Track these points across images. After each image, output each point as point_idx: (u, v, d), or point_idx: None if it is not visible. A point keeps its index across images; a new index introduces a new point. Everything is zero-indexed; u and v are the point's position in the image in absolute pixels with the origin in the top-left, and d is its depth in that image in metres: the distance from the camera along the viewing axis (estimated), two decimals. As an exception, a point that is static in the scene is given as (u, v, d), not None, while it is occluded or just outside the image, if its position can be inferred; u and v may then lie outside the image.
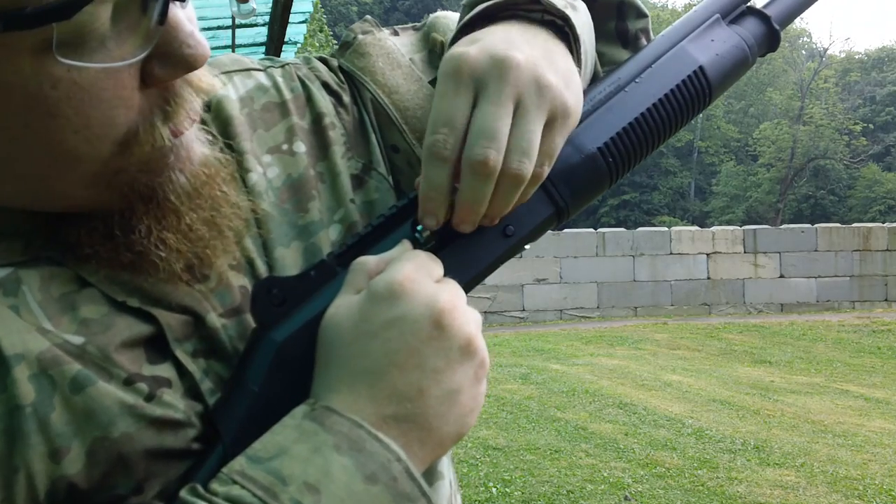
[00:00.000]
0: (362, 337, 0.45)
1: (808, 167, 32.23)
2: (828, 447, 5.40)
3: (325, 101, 0.62)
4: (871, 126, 33.16)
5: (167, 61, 0.44)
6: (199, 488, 0.43)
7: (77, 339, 0.47)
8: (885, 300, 12.04)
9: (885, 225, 12.62)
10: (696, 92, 0.60)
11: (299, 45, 8.41)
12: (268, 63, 0.63)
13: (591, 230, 12.06)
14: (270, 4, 5.70)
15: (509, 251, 0.53)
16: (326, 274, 0.50)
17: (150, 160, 0.47)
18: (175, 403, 0.48)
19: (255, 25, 6.40)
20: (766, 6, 0.66)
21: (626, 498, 4.42)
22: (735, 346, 9.41)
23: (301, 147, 0.60)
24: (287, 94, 0.62)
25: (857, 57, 38.92)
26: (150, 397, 0.47)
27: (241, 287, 0.54)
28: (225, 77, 0.61)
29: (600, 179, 0.56)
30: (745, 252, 11.86)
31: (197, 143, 0.50)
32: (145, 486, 0.47)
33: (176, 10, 0.44)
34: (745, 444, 5.42)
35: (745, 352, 9.16)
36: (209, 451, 0.47)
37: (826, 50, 37.11)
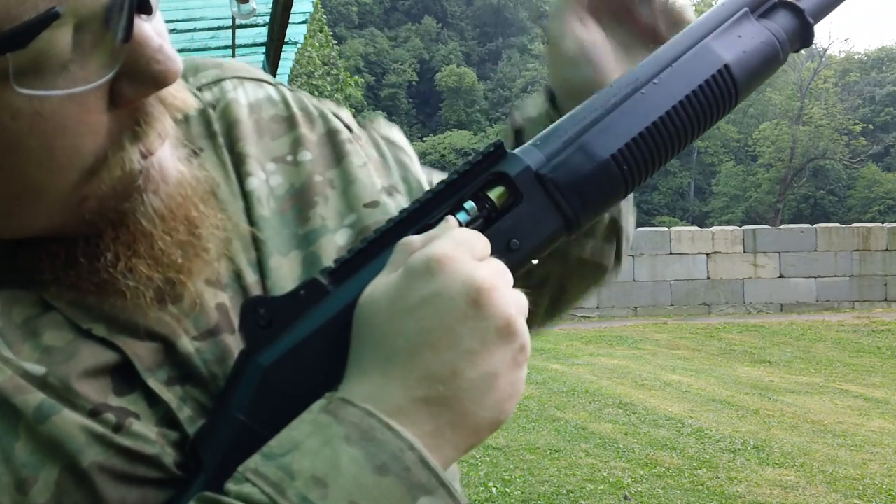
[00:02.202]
0: (397, 315, 0.43)
1: (807, 167, 32.24)
2: (827, 447, 5.40)
3: (340, 124, 0.61)
4: (870, 126, 33.18)
5: (135, 79, 0.42)
6: (209, 494, 0.41)
7: (38, 370, 0.44)
8: (885, 300, 12.04)
9: (884, 225, 12.63)
10: (720, 93, 0.56)
11: (299, 46, 8.41)
12: (281, 83, 0.62)
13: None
14: (270, 5, 5.70)
15: (514, 266, 0.49)
16: (317, 293, 0.47)
17: (120, 185, 0.44)
18: (145, 433, 0.45)
19: (256, 26, 6.40)
20: None
21: (625, 498, 4.42)
22: (735, 346, 9.41)
23: (307, 156, 0.58)
24: (295, 109, 0.60)
25: (856, 57, 38.94)
26: (117, 428, 0.44)
27: (218, 305, 0.50)
28: (236, 81, 0.59)
29: (614, 188, 0.53)
30: (744, 252, 11.87)
31: (171, 162, 0.47)
32: None
33: (142, 25, 0.41)
34: (744, 444, 5.43)
35: (745, 352, 9.16)
36: (192, 480, 0.45)
37: (825, 50, 37.11)
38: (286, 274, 0.53)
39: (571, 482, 4.61)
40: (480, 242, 0.46)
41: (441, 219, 0.48)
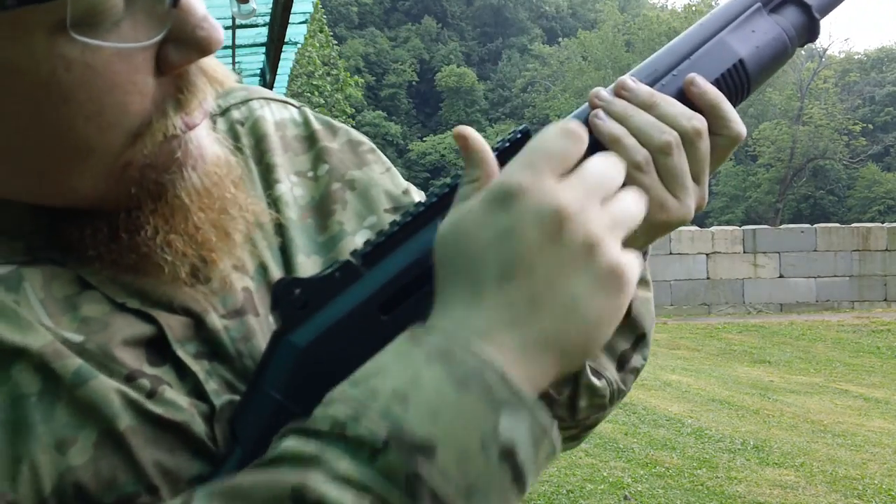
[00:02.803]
0: (475, 248, 0.42)
1: (807, 167, 32.25)
2: (827, 447, 5.40)
3: (364, 137, 0.65)
4: (870, 126, 33.19)
5: (181, 45, 0.44)
6: (294, 425, 0.41)
7: (77, 337, 0.46)
8: (885, 300, 12.04)
9: (884, 225, 12.63)
10: (734, 86, 0.58)
11: (299, 46, 8.42)
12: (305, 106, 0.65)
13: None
14: (270, 5, 5.70)
15: None
16: (351, 275, 0.48)
17: (161, 153, 0.46)
18: (177, 401, 0.47)
19: (256, 26, 6.40)
20: None
21: (625, 497, 4.43)
22: (734, 346, 9.41)
23: (325, 168, 0.61)
24: (317, 125, 0.63)
25: (856, 57, 38.94)
26: (151, 394, 0.46)
27: (244, 289, 0.53)
28: (263, 101, 0.62)
29: None
30: (744, 252, 11.87)
31: (209, 142, 0.50)
32: (158, 486, 0.45)
33: None
34: (744, 444, 5.43)
35: (745, 351, 9.16)
36: (228, 457, 0.46)
37: (825, 50, 37.11)
38: (309, 272, 0.55)
39: (571, 482, 4.61)
40: (565, 154, 0.44)
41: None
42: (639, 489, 4.55)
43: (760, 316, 11.59)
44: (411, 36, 45.75)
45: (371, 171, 0.62)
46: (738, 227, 12.19)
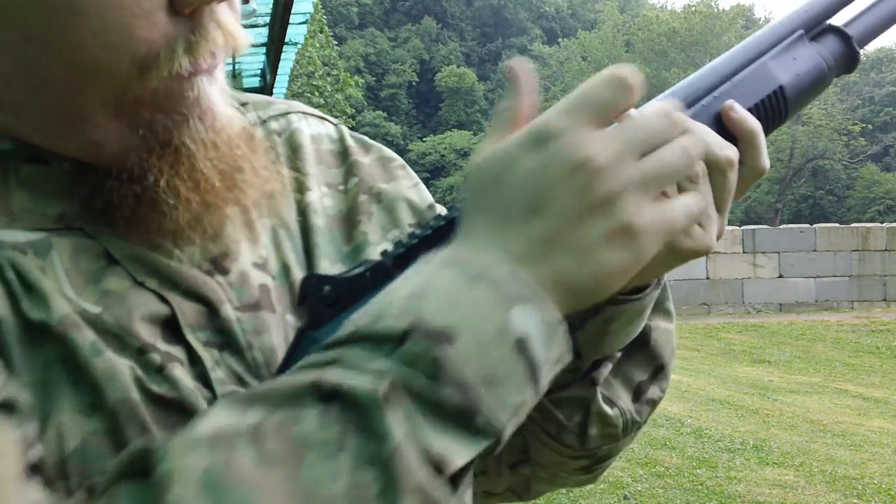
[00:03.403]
0: (505, 182, 0.43)
1: (806, 167, 32.25)
2: (826, 446, 5.41)
3: (395, 155, 0.66)
4: (869, 126, 33.19)
5: None
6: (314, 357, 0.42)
7: (95, 308, 0.47)
8: (884, 300, 12.05)
9: (883, 225, 12.64)
10: (772, 113, 0.58)
11: (300, 46, 8.42)
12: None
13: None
14: (271, 5, 5.71)
15: None
16: (381, 276, 0.48)
17: (168, 94, 0.47)
18: (183, 380, 0.48)
19: (256, 26, 6.41)
20: (847, 24, 0.63)
21: (625, 497, 4.43)
22: (734, 346, 9.42)
23: (354, 180, 0.62)
24: (350, 141, 0.64)
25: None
26: (160, 369, 0.48)
27: (261, 285, 0.54)
28: (301, 115, 0.64)
29: None
30: (743, 252, 11.88)
31: (221, 100, 0.50)
32: None
33: None
34: (744, 444, 5.44)
35: (744, 351, 9.17)
36: None
37: (825, 50, 37.01)
38: None
39: (571, 481, 4.62)
40: (610, 103, 0.44)
41: None
42: (638, 489, 4.56)
43: (760, 316, 11.59)
44: (411, 36, 45.75)
45: (399, 185, 0.64)
46: (737, 227, 12.19)
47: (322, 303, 0.47)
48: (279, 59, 7.43)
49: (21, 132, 0.48)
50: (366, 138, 0.66)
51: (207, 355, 0.50)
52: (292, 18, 6.03)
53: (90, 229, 0.50)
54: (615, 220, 0.42)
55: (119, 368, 0.46)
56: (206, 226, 0.52)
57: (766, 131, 0.58)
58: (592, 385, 0.61)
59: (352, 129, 0.70)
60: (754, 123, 0.55)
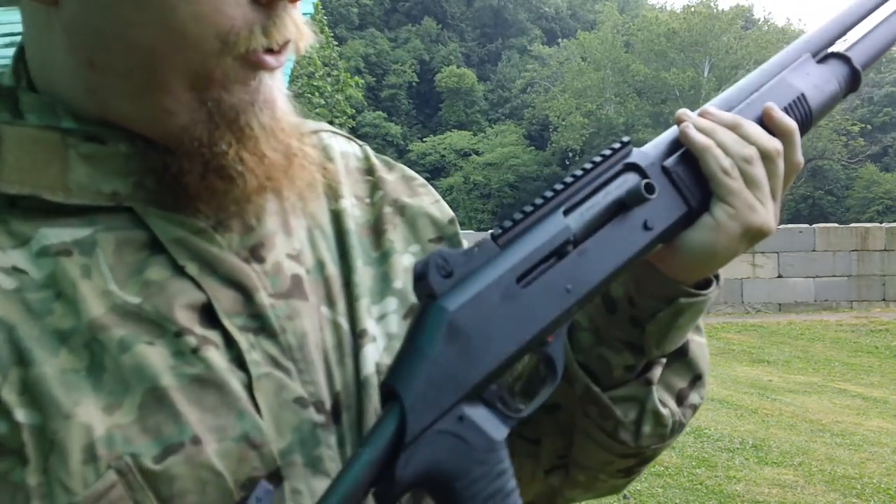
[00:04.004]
0: None
1: (806, 167, 32.22)
2: (826, 446, 5.42)
3: (416, 174, 0.71)
4: (868, 127, 33.16)
5: None
6: None
7: (135, 300, 0.51)
8: (883, 300, 12.05)
9: (882, 225, 12.64)
10: (799, 117, 0.65)
11: (299, 46, 8.39)
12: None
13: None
14: (271, 5, 5.70)
15: (649, 244, 0.59)
16: (489, 251, 0.54)
17: (238, 75, 0.51)
18: (217, 361, 0.51)
19: (256, 26, 6.39)
20: (847, 50, 0.72)
21: (624, 496, 4.44)
22: (733, 346, 9.43)
23: (380, 193, 0.67)
24: (375, 160, 0.69)
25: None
26: (195, 350, 0.50)
27: (293, 275, 0.57)
28: (331, 134, 0.69)
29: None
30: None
31: (281, 96, 0.55)
32: (202, 438, 0.49)
33: None
34: (743, 443, 5.44)
35: (744, 351, 9.17)
36: (386, 414, 0.50)
37: (824, 51, 36.94)
38: (366, 281, 0.61)
39: (571, 481, 4.63)
40: None
41: (591, 194, 0.58)
42: (637, 488, 4.56)
43: (759, 316, 11.60)
44: (411, 37, 45.75)
45: (421, 201, 0.68)
46: (737, 228, 12.17)
47: (440, 274, 0.52)
48: (279, 60, 7.42)
49: (101, 96, 0.52)
50: (389, 159, 0.71)
51: (243, 339, 0.53)
52: (292, 19, 6.03)
53: (140, 209, 0.53)
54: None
55: (148, 360, 0.49)
56: (254, 261, 0.56)
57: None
58: (648, 384, 0.65)
59: (351, 129, 0.74)
60: (790, 122, 0.63)
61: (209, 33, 0.49)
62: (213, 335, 0.52)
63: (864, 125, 32.29)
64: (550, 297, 0.55)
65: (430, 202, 0.69)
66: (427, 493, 0.53)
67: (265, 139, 0.53)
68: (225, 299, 0.53)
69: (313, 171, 0.58)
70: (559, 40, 42.09)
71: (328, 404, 0.55)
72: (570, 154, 35.50)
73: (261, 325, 0.54)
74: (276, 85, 0.54)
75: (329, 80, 18.59)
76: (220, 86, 0.51)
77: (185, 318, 0.51)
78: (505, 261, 0.54)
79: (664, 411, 0.66)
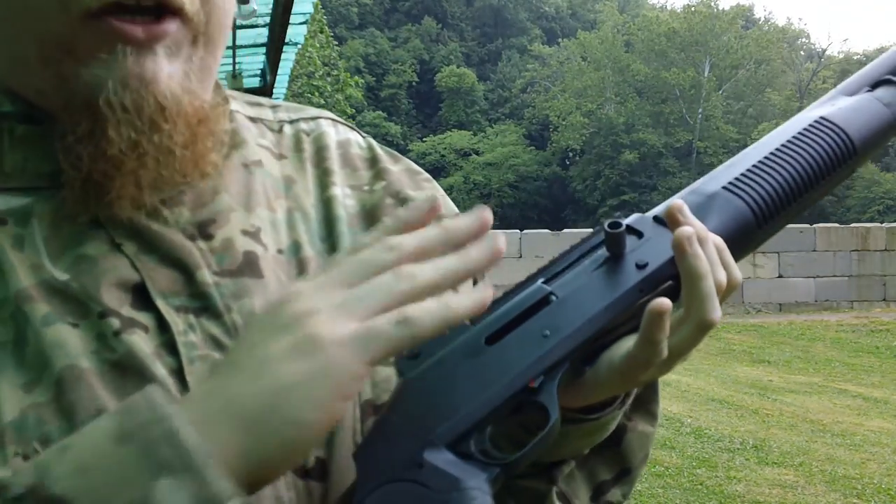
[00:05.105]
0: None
1: (806, 167, 32.19)
2: (826, 446, 5.41)
3: (421, 169, 0.68)
4: (869, 126, 33.16)
5: None
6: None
7: (63, 276, 0.48)
8: (884, 300, 12.05)
9: (883, 225, 12.65)
10: (824, 139, 0.62)
11: (300, 46, 8.42)
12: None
13: (591, 230, 12.05)
14: (271, 5, 5.71)
15: (643, 282, 0.54)
16: (461, 329, 0.52)
17: (92, 47, 0.47)
18: (138, 345, 0.48)
19: (256, 26, 6.41)
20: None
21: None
22: (734, 346, 9.42)
23: (381, 184, 0.63)
24: (379, 151, 0.66)
25: (855, 58, 38.89)
26: (117, 333, 0.47)
27: (247, 252, 0.54)
28: (331, 122, 0.66)
29: (736, 213, 0.59)
30: (743, 252, 11.88)
31: (172, 78, 0.49)
32: None
33: None
34: (743, 444, 5.44)
35: (744, 351, 9.17)
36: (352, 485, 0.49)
37: (824, 51, 37.17)
38: None
39: (571, 481, 4.63)
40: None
41: (573, 263, 0.55)
42: (638, 489, 4.56)
43: (759, 316, 11.60)
44: (411, 36, 45.76)
45: (426, 195, 0.64)
46: (737, 228, 12.19)
47: (407, 357, 0.50)
48: (279, 60, 7.43)
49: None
50: (395, 152, 0.68)
51: (180, 320, 0.50)
52: (292, 18, 6.04)
53: (87, 217, 0.50)
54: (303, 332, 0.42)
55: (68, 337, 0.46)
56: (200, 237, 0.52)
57: (830, 154, 0.61)
58: (550, 483, 0.61)
59: (351, 129, 0.71)
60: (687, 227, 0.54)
61: None
62: (144, 317, 0.49)
63: (864, 125, 32.23)
64: (524, 345, 0.52)
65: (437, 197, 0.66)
66: None
67: (116, 120, 0.47)
68: (162, 279, 0.50)
69: (200, 164, 0.52)
70: (559, 40, 42.11)
71: None
72: (570, 154, 35.52)
73: (203, 304, 0.51)
74: (161, 64, 0.48)
75: (329, 79, 18.60)
76: (75, 59, 0.47)
77: (113, 298, 0.48)
78: (475, 330, 0.53)
79: None
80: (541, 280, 0.55)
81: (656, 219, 0.57)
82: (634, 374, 0.52)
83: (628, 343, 0.52)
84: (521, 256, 11.34)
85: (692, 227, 0.52)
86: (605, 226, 0.55)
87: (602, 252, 0.56)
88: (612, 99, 34.18)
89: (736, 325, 10.70)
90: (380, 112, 40.32)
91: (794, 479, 4.73)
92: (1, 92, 0.51)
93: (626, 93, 34.14)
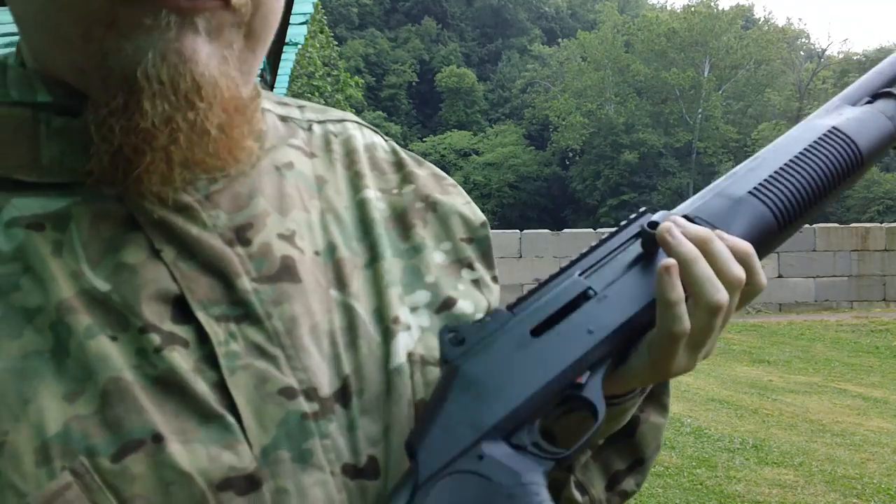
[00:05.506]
0: None
1: (806, 168, 32.15)
2: (826, 446, 5.41)
3: (445, 174, 0.69)
4: (869, 126, 33.14)
5: None
6: None
7: (104, 286, 0.48)
8: (883, 300, 12.05)
9: (882, 225, 12.64)
10: (837, 148, 0.64)
11: (300, 46, 8.42)
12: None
13: (591, 230, 12.08)
14: (270, 5, 5.70)
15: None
16: (502, 318, 0.55)
17: (132, 18, 0.46)
18: (179, 363, 0.47)
19: (256, 26, 6.39)
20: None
21: (624, 496, 4.44)
22: (734, 346, 9.42)
23: (410, 187, 0.64)
24: (403, 155, 0.67)
25: (855, 58, 38.90)
26: (157, 350, 0.47)
27: (283, 256, 0.54)
28: (357, 125, 0.67)
29: (761, 218, 0.61)
30: (743, 252, 11.86)
31: (212, 59, 0.48)
32: (164, 436, 0.46)
33: None
34: (743, 443, 5.44)
35: (744, 351, 9.17)
36: (407, 471, 0.50)
37: (824, 51, 37.16)
38: (396, 271, 0.59)
39: (571, 481, 4.63)
40: None
41: (608, 256, 0.57)
42: (638, 488, 4.56)
43: (759, 316, 11.59)
44: (411, 37, 45.75)
45: (453, 200, 0.66)
46: (737, 228, 12.18)
47: (451, 343, 0.54)
48: (279, 59, 7.43)
49: (37, 58, 0.50)
50: (417, 156, 0.69)
51: (220, 330, 0.49)
52: (292, 18, 6.03)
53: (114, 190, 0.49)
54: None
55: (110, 350, 0.46)
56: (239, 243, 0.52)
57: (840, 164, 0.64)
58: (567, 471, 0.62)
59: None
60: (745, 244, 0.58)
61: None
62: (183, 331, 0.49)
63: (864, 125, 32.20)
64: (570, 340, 0.54)
65: (462, 202, 0.66)
66: None
67: (164, 96, 0.46)
68: (201, 288, 0.50)
69: (243, 148, 0.52)
70: (559, 40, 42.09)
71: (325, 390, 0.51)
72: (570, 154, 35.51)
73: (244, 312, 0.50)
74: (200, 43, 0.47)
75: (329, 80, 18.59)
76: (117, 32, 0.46)
77: (154, 312, 0.48)
78: (518, 319, 0.55)
79: (581, 500, 0.63)
80: (578, 272, 0.57)
81: (686, 218, 0.60)
82: (664, 361, 0.54)
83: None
84: (521, 256, 11.35)
85: (685, 244, 0.55)
86: (645, 225, 0.58)
87: (635, 247, 0.58)
88: (612, 99, 34.17)
89: (736, 325, 10.69)
90: (380, 112, 40.30)
91: (794, 479, 4.73)
92: (38, 80, 0.50)
93: (625, 93, 34.13)
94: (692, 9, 33.32)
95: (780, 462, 5.05)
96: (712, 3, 33.35)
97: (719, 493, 4.51)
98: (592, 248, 0.59)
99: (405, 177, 0.65)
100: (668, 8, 43.55)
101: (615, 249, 0.59)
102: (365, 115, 36.87)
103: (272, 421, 0.49)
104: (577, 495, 0.63)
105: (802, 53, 40.62)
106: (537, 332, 0.54)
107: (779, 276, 11.94)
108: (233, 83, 0.49)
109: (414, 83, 43.58)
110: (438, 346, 0.53)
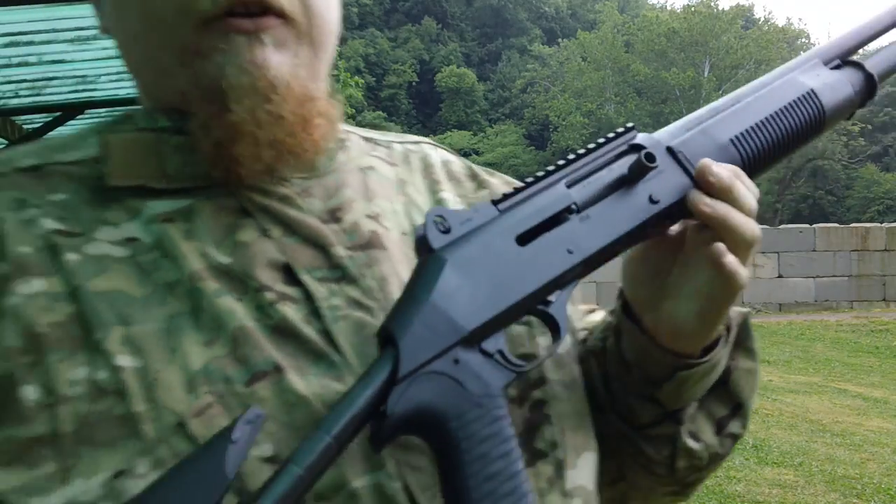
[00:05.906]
0: None
1: (806, 167, 32.26)
2: (826, 446, 5.42)
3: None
4: (869, 127, 33.21)
5: None
6: None
7: (227, 259, 0.58)
8: (883, 300, 12.06)
9: (882, 225, 12.65)
10: (809, 115, 0.67)
11: (299, 46, 8.39)
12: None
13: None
14: (270, 5, 5.70)
15: (655, 217, 0.60)
16: (488, 213, 0.57)
17: (214, 43, 0.57)
18: (289, 313, 0.57)
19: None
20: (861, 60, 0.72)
21: (624, 496, 4.44)
22: (734, 346, 9.41)
23: (484, 192, 0.74)
24: (476, 168, 0.77)
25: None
26: (272, 303, 0.57)
27: (371, 231, 0.64)
28: (432, 147, 0.78)
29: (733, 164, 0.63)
30: (743, 252, 11.87)
31: (284, 66, 0.59)
32: (284, 367, 0.55)
33: None
34: (743, 443, 5.44)
35: (744, 351, 9.16)
36: (382, 355, 0.53)
37: (824, 50, 36.89)
38: None
39: (571, 481, 4.62)
40: None
41: (594, 171, 0.60)
42: (638, 488, 4.56)
43: (759, 316, 11.59)
44: (411, 36, 45.76)
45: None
46: (737, 228, 12.17)
47: (438, 230, 0.55)
48: (279, 60, 7.41)
49: (150, 95, 0.63)
50: (490, 169, 0.78)
51: (323, 289, 0.59)
52: (292, 18, 6.03)
53: (229, 188, 0.60)
54: None
55: (235, 306, 0.56)
56: (332, 221, 0.62)
57: (808, 128, 0.67)
58: (678, 424, 0.67)
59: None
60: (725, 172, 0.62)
61: (169, 7, 0.57)
62: (293, 291, 0.58)
63: (864, 125, 32.32)
64: (550, 256, 0.56)
65: None
66: (422, 437, 0.53)
67: (246, 97, 0.57)
68: (303, 257, 0.60)
69: (320, 138, 0.62)
70: (559, 40, 42.09)
71: None
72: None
73: (341, 274, 0.60)
74: (269, 53, 0.58)
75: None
76: (202, 57, 0.58)
77: (267, 276, 0.58)
78: (504, 222, 0.56)
79: (696, 447, 0.68)
80: (564, 182, 0.59)
81: (669, 150, 0.61)
82: (714, 301, 0.61)
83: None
84: (520, 256, 11.32)
85: (721, 181, 0.60)
86: (642, 156, 0.59)
87: (619, 166, 0.60)
88: (612, 99, 34.18)
89: (736, 325, 10.69)
90: (380, 112, 40.31)
91: (794, 479, 4.73)
92: (155, 110, 0.62)
93: (626, 93, 34.14)
94: (692, 9, 33.31)
95: (780, 462, 5.06)
96: (712, 3, 33.34)
97: (719, 493, 4.51)
98: (578, 156, 0.60)
99: (480, 184, 0.75)
100: (668, 8, 43.54)
101: (601, 166, 0.60)
102: (365, 115, 36.86)
103: (370, 358, 0.55)
104: (692, 443, 0.68)
105: (802, 53, 40.55)
106: (522, 241, 0.56)
107: (779, 276, 11.94)
108: (301, 82, 0.60)
109: (414, 83, 43.58)
110: (424, 224, 0.56)
